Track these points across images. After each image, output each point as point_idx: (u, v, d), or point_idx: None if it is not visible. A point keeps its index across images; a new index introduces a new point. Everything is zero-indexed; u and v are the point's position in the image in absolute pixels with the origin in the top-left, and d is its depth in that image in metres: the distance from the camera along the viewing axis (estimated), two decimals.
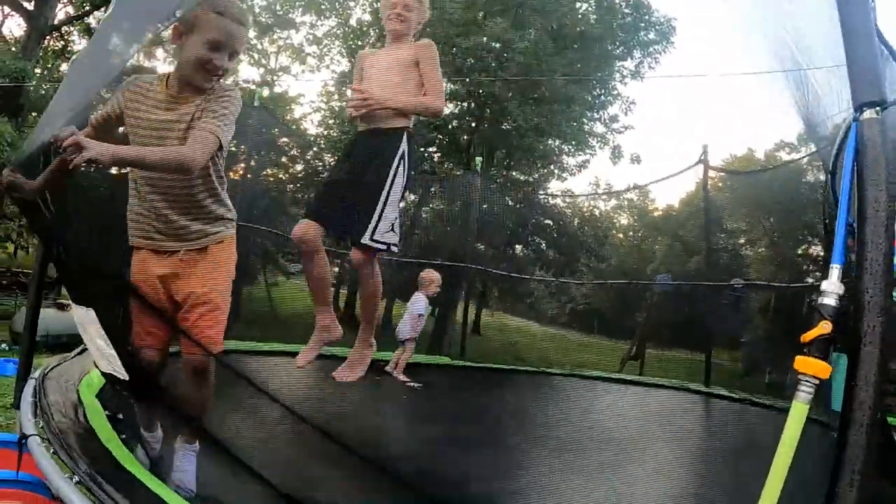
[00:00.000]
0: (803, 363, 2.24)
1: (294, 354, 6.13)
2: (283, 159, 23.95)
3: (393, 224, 4.29)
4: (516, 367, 10.28)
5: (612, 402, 8.22)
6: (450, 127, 27.74)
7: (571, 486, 4.16)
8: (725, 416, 8.15)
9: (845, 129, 2.51)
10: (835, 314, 2.26)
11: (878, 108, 2.30)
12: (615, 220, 56.41)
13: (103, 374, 3.42)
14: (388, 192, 4.19)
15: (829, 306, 2.27)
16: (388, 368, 8.07)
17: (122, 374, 3.06)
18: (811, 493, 2.34)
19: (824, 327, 2.25)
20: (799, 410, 2.24)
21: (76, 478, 2.77)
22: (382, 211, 4.18)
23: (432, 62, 4.50)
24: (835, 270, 2.31)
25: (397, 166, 4.25)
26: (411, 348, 8.35)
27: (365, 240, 4.14)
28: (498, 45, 23.59)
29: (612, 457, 5.16)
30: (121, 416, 3.72)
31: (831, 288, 2.29)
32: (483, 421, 6.17)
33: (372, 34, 27.98)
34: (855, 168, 2.33)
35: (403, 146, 4.31)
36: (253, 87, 29.63)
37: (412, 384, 7.73)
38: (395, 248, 4.34)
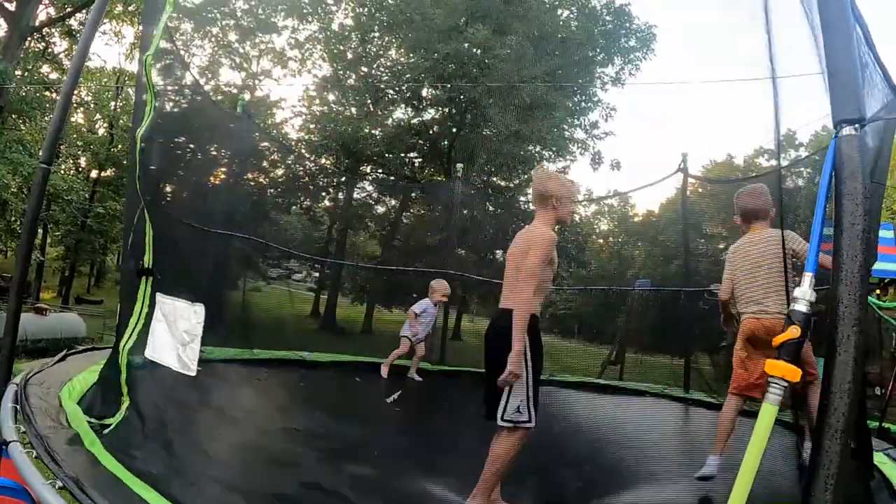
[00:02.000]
0: (773, 366, 2.29)
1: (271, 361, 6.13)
2: (265, 164, 23.88)
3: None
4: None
5: (591, 406, 8.25)
6: (430, 132, 27.73)
7: (549, 487, 4.20)
8: (703, 420, 8.20)
9: None
10: (804, 319, 2.31)
11: (856, 126, 2.36)
12: (595, 226, 56.55)
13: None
14: None
15: (800, 312, 2.33)
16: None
17: (191, 371, 3.47)
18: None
19: (793, 332, 2.30)
20: (768, 412, 2.29)
21: (59, 483, 2.76)
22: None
23: None
24: (807, 278, 2.36)
25: None
26: (404, 346, 8.81)
27: None
28: (479, 51, 23.61)
29: (590, 460, 5.20)
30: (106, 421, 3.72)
31: (803, 295, 2.34)
32: (456, 423, 6.19)
33: (354, 38, 27.94)
34: (832, 181, 2.39)
35: None
36: (234, 91, 29.50)
37: (393, 397, 7.78)
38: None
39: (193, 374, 3.40)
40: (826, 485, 2.19)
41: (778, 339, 2.33)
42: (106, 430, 3.55)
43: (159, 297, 3.61)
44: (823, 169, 2.43)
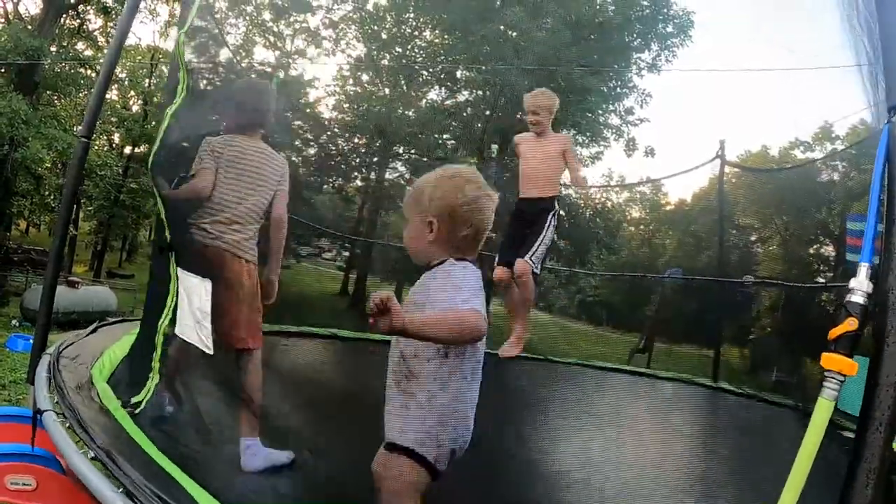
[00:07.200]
0: (829, 360, 2.22)
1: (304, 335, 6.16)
2: (298, 143, 23.98)
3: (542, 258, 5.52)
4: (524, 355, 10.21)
5: (617, 392, 8.20)
6: (464, 114, 27.64)
7: (573, 474, 4.17)
8: (731, 411, 8.14)
9: None
10: (862, 311, 2.24)
11: None
12: (627, 213, 56.04)
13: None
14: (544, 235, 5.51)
15: (857, 303, 2.24)
16: None
17: (208, 348, 3.31)
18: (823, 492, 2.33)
19: (850, 324, 2.23)
20: (824, 407, 2.22)
21: (91, 453, 2.77)
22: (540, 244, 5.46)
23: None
24: (863, 268, 2.28)
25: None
26: None
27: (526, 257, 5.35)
28: (515, 33, 23.47)
29: (614, 446, 5.16)
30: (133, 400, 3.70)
31: (859, 286, 2.26)
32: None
33: (388, 19, 27.92)
34: (886, 170, 2.31)
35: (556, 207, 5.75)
36: (269, 69, 29.61)
37: None
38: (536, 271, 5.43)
39: (211, 352, 3.33)
40: (867, 479, 2.14)
41: (834, 332, 2.26)
42: (136, 410, 3.54)
43: (179, 272, 3.56)
44: (877, 157, 2.35)
